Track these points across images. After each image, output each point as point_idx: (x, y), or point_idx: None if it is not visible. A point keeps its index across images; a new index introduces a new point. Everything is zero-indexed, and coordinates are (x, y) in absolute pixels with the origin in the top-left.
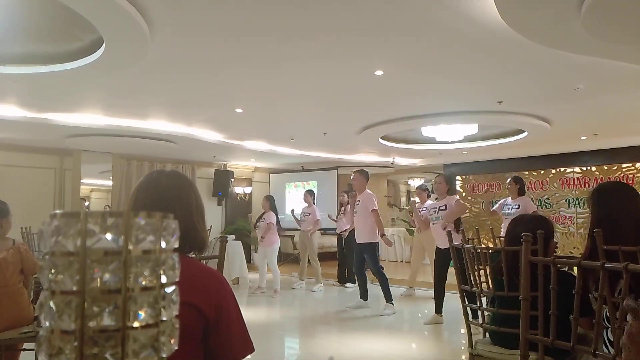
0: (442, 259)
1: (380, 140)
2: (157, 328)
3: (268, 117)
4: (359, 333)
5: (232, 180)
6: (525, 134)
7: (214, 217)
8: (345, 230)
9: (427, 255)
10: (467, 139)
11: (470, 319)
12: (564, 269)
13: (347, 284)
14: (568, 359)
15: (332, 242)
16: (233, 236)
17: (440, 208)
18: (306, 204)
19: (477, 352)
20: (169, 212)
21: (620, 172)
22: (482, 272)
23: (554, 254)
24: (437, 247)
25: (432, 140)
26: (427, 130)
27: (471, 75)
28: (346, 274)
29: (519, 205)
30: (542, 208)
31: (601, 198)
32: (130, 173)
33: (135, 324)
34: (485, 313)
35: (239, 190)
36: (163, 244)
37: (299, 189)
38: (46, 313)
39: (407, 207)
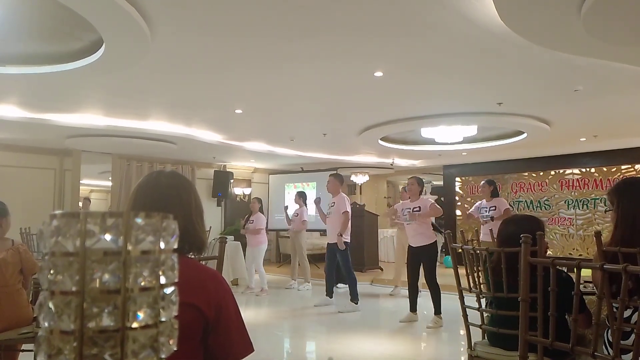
0: (413, 256)
1: (380, 142)
2: (157, 328)
3: (268, 118)
4: (358, 334)
5: (232, 181)
6: (525, 135)
7: (213, 217)
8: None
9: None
10: (467, 140)
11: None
12: (561, 270)
13: (339, 284)
14: None
15: (323, 243)
16: (232, 237)
17: (415, 209)
18: (297, 205)
19: (476, 354)
20: (168, 212)
21: (619, 174)
22: (481, 273)
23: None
24: (409, 246)
25: (432, 142)
26: (426, 132)
27: (471, 77)
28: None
29: (495, 207)
30: (541, 210)
31: (627, 194)
32: (129, 173)
33: (135, 325)
34: (484, 314)
35: (238, 191)
36: (162, 245)
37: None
38: (45, 313)
39: None
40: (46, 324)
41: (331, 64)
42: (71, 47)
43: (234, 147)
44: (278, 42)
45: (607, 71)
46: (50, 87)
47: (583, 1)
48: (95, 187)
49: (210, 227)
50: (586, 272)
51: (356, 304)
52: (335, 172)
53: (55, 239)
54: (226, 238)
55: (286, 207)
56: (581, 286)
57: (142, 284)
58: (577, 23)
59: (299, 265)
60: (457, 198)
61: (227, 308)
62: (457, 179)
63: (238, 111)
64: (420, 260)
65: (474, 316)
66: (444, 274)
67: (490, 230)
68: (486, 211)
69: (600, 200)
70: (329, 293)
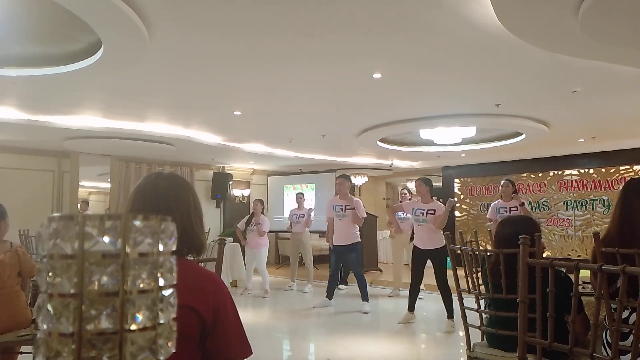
0: (419, 257)
1: (379, 143)
2: (155, 331)
3: (266, 119)
4: (356, 335)
5: (231, 182)
6: (523, 136)
7: (212, 219)
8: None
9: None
10: (465, 141)
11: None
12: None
13: (340, 286)
14: None
15: (323, 244)
16: (231, 239)
17: (429, 212)
18: (297, 206)
19: (475, 355)
20: (167, 214)
21: (618, 175)
22: (480, 274)
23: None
24: (415, 247)
25: (430, 143)
26: (425, 133)
27: (469, 78)
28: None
29: (517, 207)
30: (540, 211)
31: (631, 194)
32: (128, 175)
33: (133, 327)
34: (484, 315)
35: (237, 192)
36: (161, 247)
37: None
38: (44, 316)
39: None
40: (45, 326)
41: (330, 66)
42: (69, 48)
43: (233, 149)
44: (276, 43)
45: (605, 72)
46: (49, 89)
47: (581, 2)
48: (93, 189)
49: (209, 228)
50: (585, 273)
51: (368, 301)
52: (343, 173)
53: (54, 241)
54: (225, 240)
55: (310, 210)
56: (580, 287)
57: (141, 286)
58: (574, 24)
59: (302, 266)
60: (455, 199)
61: (225, 311)
62: (456, 180)
63: (237, 112)
64: (426, 263)
65: (474, 317)
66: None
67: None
68: (506, 211)
69: (599, 201)
70: (330, 295)
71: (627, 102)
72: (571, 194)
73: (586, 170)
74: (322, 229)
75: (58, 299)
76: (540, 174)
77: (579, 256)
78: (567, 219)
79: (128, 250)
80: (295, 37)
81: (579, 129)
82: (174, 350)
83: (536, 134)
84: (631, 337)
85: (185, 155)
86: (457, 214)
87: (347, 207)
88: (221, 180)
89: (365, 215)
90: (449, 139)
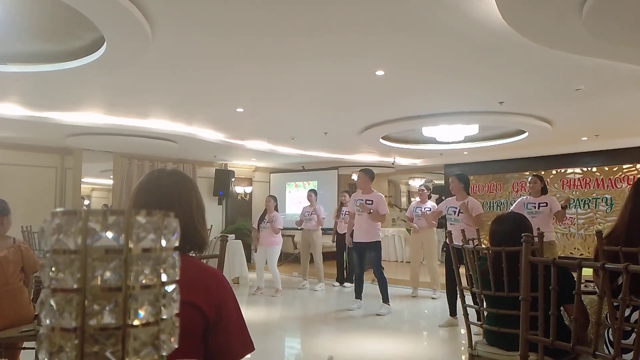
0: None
1: (381, 140)
2: (158, 326)
3: (269, 116)
4: (359, 333)
5: (233, 179)
6: (526, 134)
7: (214, 216)
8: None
9: (425, 254)
10: (468, 139)
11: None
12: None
13: (346, 284)
14: (567, 359)
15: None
16: (233, 235)
17: (461, 211)
18: (309, 203)
19: (476, 353)
20: (169, 210)
21: (621, 173)
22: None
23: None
24: (447, 245)
25: (433, 141)
26: (427, 131)
27: (472, 76)
28: (345, 274)
29: (546, 203)
30: None
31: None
32: (131, 172)
33: (136, 322)
34: (485, 313)
35: (239, 189)
36: (163, 243)
37: (300, 189)
38: (47, 311)
39: (406, 208)
40: (47, 322)
41: (332, 63)
42: (72, 45)
43: (235, 146)
44: (280, 40)
45: (608, 70)
46: (52, 86)
47: (584, 1)
48: (96, 185)
49: (212, 225)
50: (587, 272)
51: (389, 304)
52: (366, 167)
53: (57, 236)
54: (227, 236)
55: (320, 207)
56: (582, 285)
57: (144, 281)
58: (578, 22)
59: (312, 264)
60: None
61: (227, 307)
62: None
63: (239, 110)
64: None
65: (475, 316)
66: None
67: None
68: (535, 207)
69: (602, 200)
70: (359, 295)
71: (630, 101)
72: (574, 192)
73: (589, 168)
74: (329, 226)
75: (61, 294)
76: (542, 172)
77: (581, 254)
78: (570, 217)
79: (131, 245)
80: (297, 36)
81: (582, 127)
82: (176, 346)
83: (539, 132)
84: (633, 336)
85: (187, 152)
86: None
87: (367, 202)
88: (223, 178)
89: (387, 212)
90: (452, 136)
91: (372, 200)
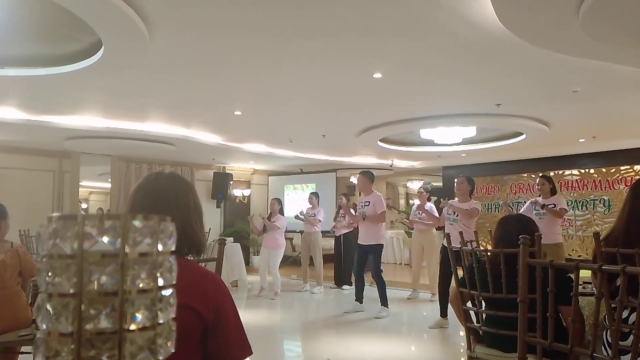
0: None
1: (379, 143)
2: (154, 330)
3: (267, 119)
4: (357, 335)
5: (231, 182)
6: (524, 136)
7: (212, 219)
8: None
9: (425, 257)
10: (466, 141)
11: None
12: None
13: (344, 286)
14: None
15: (329, 244)
16: (232, 238)
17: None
18: (310, 206)
19: (475, 355)
20: (166, 214)
21: (618, 175)
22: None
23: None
24: (445, 247)
25: (431, 143)
26: (425, 133)
27: (469, 78)
28: (341, 276)
29: (554, 204)
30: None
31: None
32: (129, 175)
33: (132, 327)
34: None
35: (237, 192)
36: (160, 247)
37: (298, 192)
38: (43, 315)
39: (404, 210)
40: (44, 326)
41: (330, 66)
42: (70, 49)
43: (233, 149)
44: (277, 43)
45: (605, 72)
46: (49, 89)
47: (581, 2)
48: (94, 188)
49: (210, 228)
50: (585, 273)
51: (387, 307)
52: (365, 170)
53: (53, 241)
54: (225, 240)
55: (301, 212)
56: (580, 287)
57: (140, 286)
58: (575, 24)
59: (312, 266)
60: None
61: (225, 311)
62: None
63: (237, 113)
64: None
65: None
66: None
67: None
68: (542, 209)
69: (600, 201)
70: (360, 298)
71: (627, 102)
72: (571, 194)
73: (586, 170)
74: (326, 229)
75: (57, 298)
76: (540, 174)
77: (579, 256)
78: (568, 219)
79: (127, 250)
80: (295, 37)
81: (580, 129)
82: (173, 350)
83: (537, 134)
84: (631, 337)
85: (185, 155)
86: None
87: (366, 204)
88: (222, 180)
89: (384, 210)
90: (450, 138)
91: (369, 202)
